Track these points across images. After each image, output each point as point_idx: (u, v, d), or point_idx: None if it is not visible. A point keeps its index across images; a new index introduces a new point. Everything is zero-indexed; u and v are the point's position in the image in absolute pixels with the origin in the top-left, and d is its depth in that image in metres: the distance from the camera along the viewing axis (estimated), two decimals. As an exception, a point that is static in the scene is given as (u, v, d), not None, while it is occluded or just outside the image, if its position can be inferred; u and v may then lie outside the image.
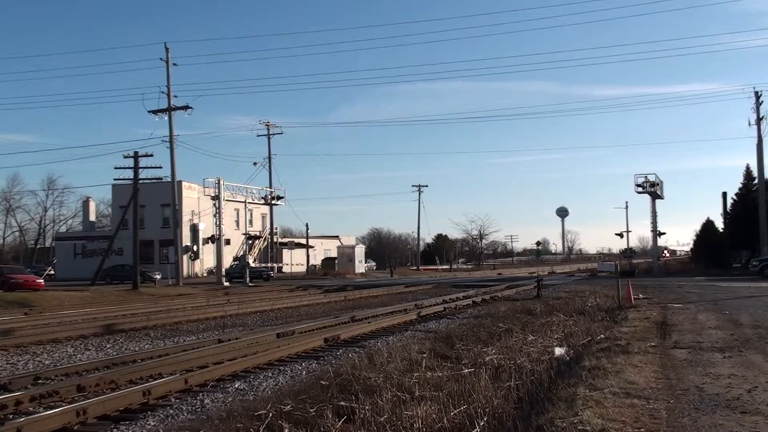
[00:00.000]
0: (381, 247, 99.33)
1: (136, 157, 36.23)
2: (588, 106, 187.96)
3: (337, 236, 79.71)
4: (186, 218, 52.54)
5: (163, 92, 40.10)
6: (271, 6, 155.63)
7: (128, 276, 39.10)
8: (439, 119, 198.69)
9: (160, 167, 37.27)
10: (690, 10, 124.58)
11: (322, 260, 67.13)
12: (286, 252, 66.45)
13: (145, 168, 36.45)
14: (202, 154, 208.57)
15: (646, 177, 43.71)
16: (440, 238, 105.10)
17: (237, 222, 59.29)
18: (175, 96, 40.28)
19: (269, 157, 60.39)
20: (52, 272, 58.24)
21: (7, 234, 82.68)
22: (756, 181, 42.94)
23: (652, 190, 43.84)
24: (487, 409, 6.07)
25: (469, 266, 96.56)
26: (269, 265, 55.03)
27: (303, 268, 63.84)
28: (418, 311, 18.07)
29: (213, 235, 46.27)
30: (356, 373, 7.68)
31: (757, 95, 41.13)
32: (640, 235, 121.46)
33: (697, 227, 53.32)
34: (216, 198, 45.06)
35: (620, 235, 66.50)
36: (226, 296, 29.51)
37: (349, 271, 58.71)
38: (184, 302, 25.70)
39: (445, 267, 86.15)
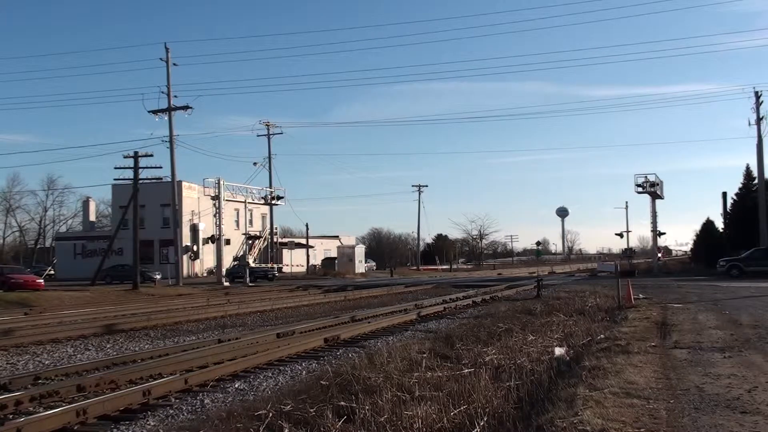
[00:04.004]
0: (381, 247, 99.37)
1: (136, 157, 36.24)
2: (588, 106, 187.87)
3: (337, 236, 79.66)
4: (186, 218, 52.51)
5: (163, 92, 40.15)
6: (271, 6, 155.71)
7: (128, 276, 39.10)
8: (439, 119, 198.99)
9: (160, 167, 37.34)
10: (689, 10, 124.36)
11: (322, 260, 67.10)
12: (286, 252, 66.44)
13: (145, 168, 36.51)
14: (202, 154, 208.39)
15: (646, 177, 43.68)
16: (440, 238, 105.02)
17: (237, 222, 59.28)
18: (175, 96, 40.33)
19: (269, 157, 60.35)
20: (52, 272, 58.24)
21: (7, 234, 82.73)
22: (756, 181, 42.90)
23: (652, 190, 43.82)
24: (487, 409, 6.07)
25: (469, 266, 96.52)
26: (271, 265, 55.02)
27: (303, 268, 63.83)
28: (418, 311, 18.07)
29: (213, 235, 46.28)
30: (356, 373, 7.68)
31: (757, 95, 41.09)
32: (640, 235, 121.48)
33: (697, 227, 53.32)
34: (216, 198, 45.06)
35: (620, 235, 66.51)
36: (226, 296, 29.51)
37: (349, 271, 58.70)
38: (184, 302, 25.69)
39: (445, 267, 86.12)
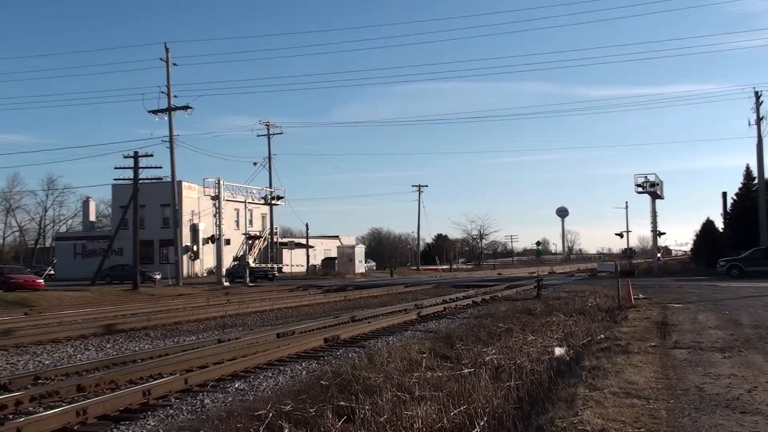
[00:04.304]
0: (381, 247, 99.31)
1: (136, 157, 36.24)
2: (587, 106, 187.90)
3: (337, 236, 79.67)
4: (186, 218, 52.51)
5: (163, 92, 40.12)
6: (271, 6, 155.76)
7: (128, 276, 39.10)
8: (438, 119, 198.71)
9: (160, 167, 37.35)
10: (689, 10, 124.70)
11: (322, 260, 67.10)
12: (286, 252, 66.42)
13: (145, 168, 36.52)
14: (202, 154, 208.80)
15: (646, 177, 43.70)
16: (440, 238, 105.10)
17: (237, 222, 59.27)
18: (175, 96, 40.29)
19: (269, 157, 60.33)
20: (52, 272, 58.23)
21: (7, 234, 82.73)
22: (756, 181, 42.89)
23: (652, 190, 43.82)
24: (487, 409, 6.07)
25: (469, 266, 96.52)
26: (271, 265, 55.06)
27: (303, 268, 63.83)
28: (418, 311, 18.07)
29: (213, 235, 46.27)
30: (356, 373, 7.68)
31: (757, 95, 41.06)
32: (640, 235, 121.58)
33: (697, 227, 53.33)
34: (216, 198, 45.04)
35: (620, 235, 66.62)
36: (226, 296, 29.51)
37: (349, 271, 58.69)
38: (184, 302, 25.69)
39: (445, 267, 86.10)
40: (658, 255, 48.06)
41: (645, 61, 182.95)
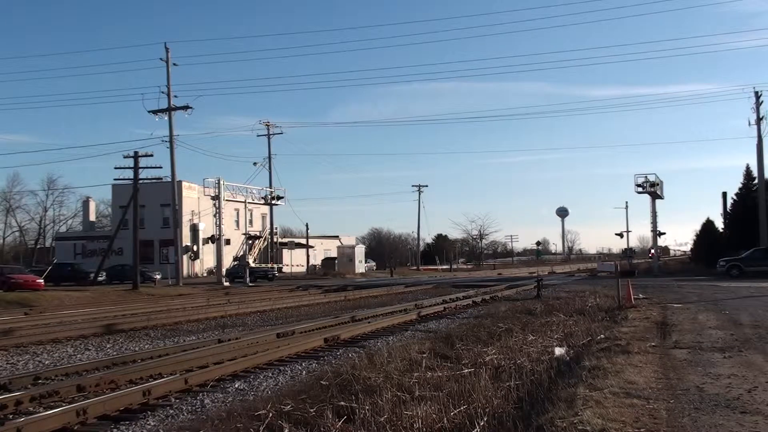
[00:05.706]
0: (381, 247, 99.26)
1: (136, 157, 36.23)
2: (587, 106, 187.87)
3: (337, 236, 79.67)
4: (186, 218, 52.51)
5: (163, 92, 40.13)
6: (271, 6, 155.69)
7: (128, 276, 39.12)
8: (438, 119, 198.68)
9: (160, 167, 37.33)
10: (689, 10, 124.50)
11: (322, 260, 67.09)
12: (286, 252, 66.44)
13: (145, 168, 36.49)
14: (202, 154, 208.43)
15: (646, 177, 43.71)
16: (440, 238, 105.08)
17: (237, 222, 59.29)
18: (175, 96, 40.31)
19: (269, 157, 60.34)
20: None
21: (7, 234, 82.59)
22: (756, 181, 42.91)
23: (652, 190, 43.83)
24: (487, 409, 6.07)
25: (469, 266, 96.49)
26: (271, 265, 55.06)
27: (303, 269, 63.84)
28: (418, 311, 18.07)
29: (213, 235, 46.28)
30: (356, 373, 7.69)
31: (757, 95, 41.09)
32: (640, 235, 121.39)
33: (697, 227, 53.30)
34: (216, 198, 45.07)
35: (620, 235, 66.66)
36: (226, 296, 29.51)
37: (349, 271, 58.71)
38: (184, 302, 25.69)
39: (445, 267, 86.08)
40: (651, 252, 48.05)
41: (645, 61, 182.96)
